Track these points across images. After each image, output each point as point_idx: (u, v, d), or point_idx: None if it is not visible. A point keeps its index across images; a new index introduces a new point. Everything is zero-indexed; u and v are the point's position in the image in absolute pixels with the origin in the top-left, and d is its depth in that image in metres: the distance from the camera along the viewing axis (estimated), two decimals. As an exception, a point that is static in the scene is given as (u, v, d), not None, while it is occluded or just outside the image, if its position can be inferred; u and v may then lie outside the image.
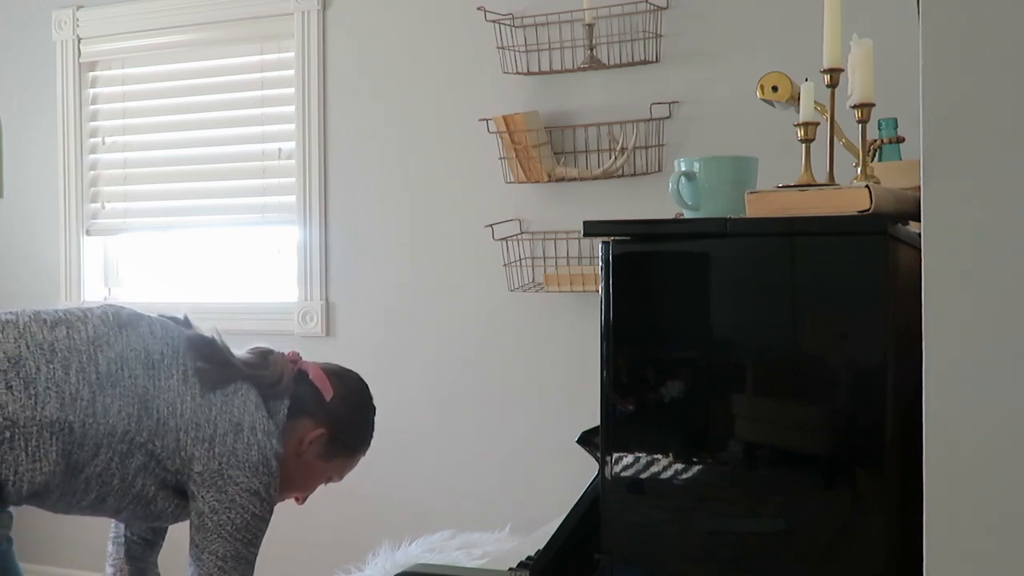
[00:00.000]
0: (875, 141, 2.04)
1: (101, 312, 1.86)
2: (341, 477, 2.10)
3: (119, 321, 1.85)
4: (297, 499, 2.09)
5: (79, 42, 3.93)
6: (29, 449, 1.70)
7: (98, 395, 1.75)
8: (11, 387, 1.69)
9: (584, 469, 2.01)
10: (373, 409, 2.11)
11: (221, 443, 1.83)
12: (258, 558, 1.90)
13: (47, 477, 1.73)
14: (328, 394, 2.00)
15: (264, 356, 1.98)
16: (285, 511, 3.24)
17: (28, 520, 4.19)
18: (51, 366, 1.73)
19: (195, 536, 1.87)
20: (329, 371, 2.05)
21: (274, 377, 1.95)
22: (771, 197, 1.48)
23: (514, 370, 3.27)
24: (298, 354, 2.05)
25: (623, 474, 1.49)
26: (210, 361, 1.89)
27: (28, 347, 1.73)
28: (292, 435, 1.96)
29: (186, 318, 1.97)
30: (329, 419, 2.00)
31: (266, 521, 1.90)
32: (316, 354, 3.60)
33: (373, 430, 2.11)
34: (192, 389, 1.85)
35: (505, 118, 3.10)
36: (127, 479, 1.81)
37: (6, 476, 1.70)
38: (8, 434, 1.68)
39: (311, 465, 2.01)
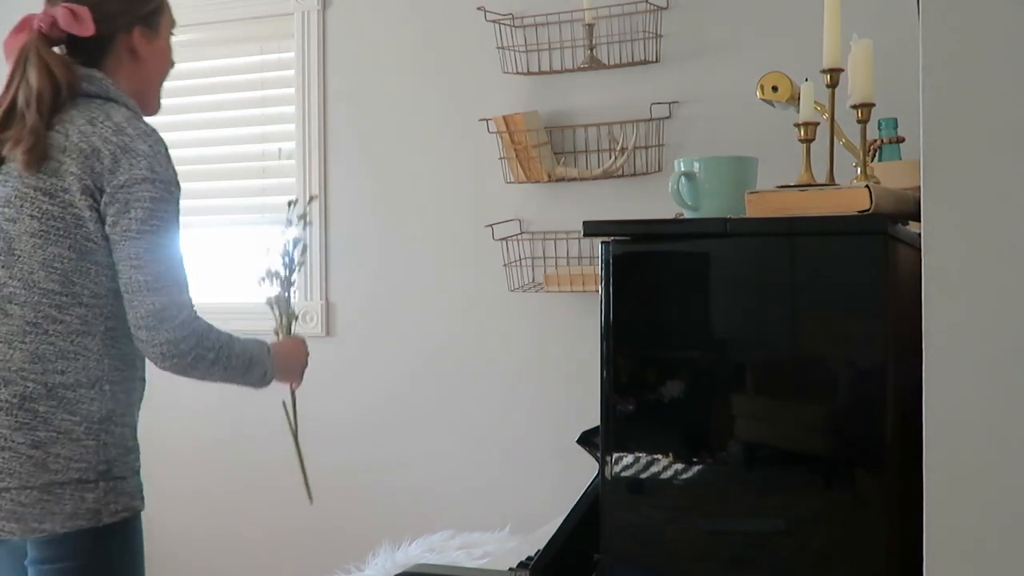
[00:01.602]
0: (875, 141, 2.04)
1: None
2: (174, 20, 1.98)
3: None
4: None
5: (79, 42, 3.93)
6: (75, 358, 1.69)
7: (16, 297, 1.68)
8: None
9: (584, 469, 2.01)
10: None
11: (88, 174, 1.68)
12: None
13: (105, 351, 1.72)
14: (87, 28, 1.76)
15: (20, 75, 1.75)
16: (283, 509, 3.24)
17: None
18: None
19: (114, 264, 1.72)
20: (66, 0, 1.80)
21: (50, 81, 1.72)
22: (771, 197, 1.48)
23: (514, 370, 3.27)
24: (30, 22, 1.78)
25: (623, 474, 1.49)
26: (22, 145, 1.70)
27: None
28: (123, 60, 1.83)
29: None
30: (124, 20, 1.83)
31: (169, 201, 1.72)
32: (316, 354, 3.60)
33: None
34: (23, 177, 1.70)
35: (505, 118, 3.09)
36: (99, 290, 1.71)
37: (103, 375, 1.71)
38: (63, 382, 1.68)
39: (154, 48, 1.89)
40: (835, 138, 1.64)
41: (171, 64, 1.95)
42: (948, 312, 1.19)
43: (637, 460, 1.48)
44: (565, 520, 1.77)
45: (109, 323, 1.71)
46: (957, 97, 1.19)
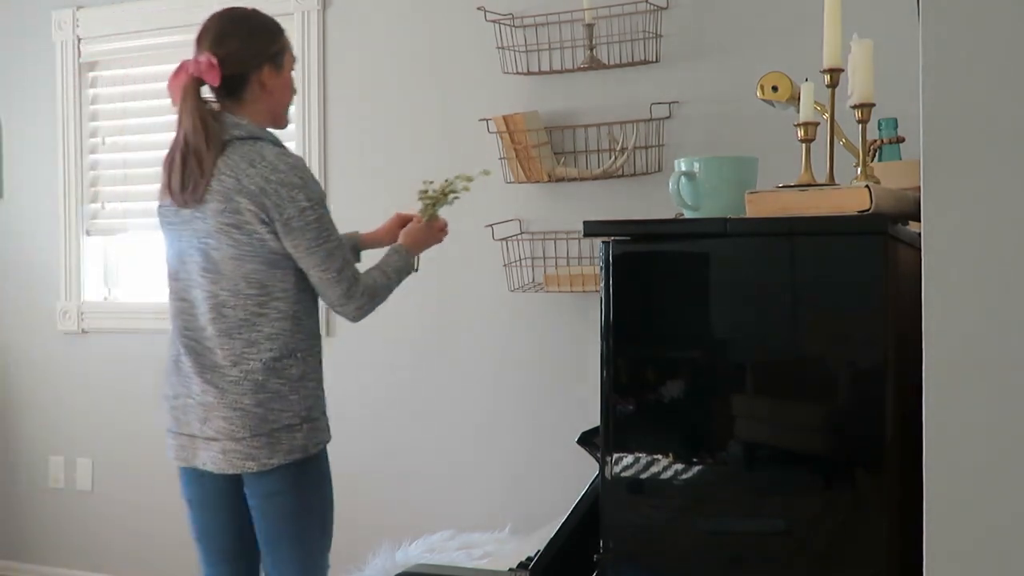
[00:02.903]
0: (875, 141, 2.04)
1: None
2: (294, 57, 2.34)
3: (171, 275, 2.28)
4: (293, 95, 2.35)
5: (79, 42, 3.93)
6: (277, 338, 2.20)
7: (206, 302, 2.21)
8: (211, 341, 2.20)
9: (584, 469, 2.01)
10: (244, 14, 2.28)
11: (261, 208, 2.13)
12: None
13: (297, 330, 2.22)
14: (215, 77, 2.17)
15: (180, 117, 2.19)
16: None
17: (27, 519, 4.19)
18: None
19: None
20: (210, 48, 2.19)
21: (203, 126, 2.16)
22: (771, 197, 1.48)
23: (514, 370, 3.27)
24: (186, 67, 2.18)
25: (623, 474, 1.49)
26: (179, 194, 2.18)
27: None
28: (256, 93, 2.22)
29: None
30: (255, 61, 2.22)
31: (324, 214, 2.18)
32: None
33: (265, 16, 2.29)
34: (216, 216, 2.15)
35: (505, 118, 3.09)
36: (287, 286, 2.21)
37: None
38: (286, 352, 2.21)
39: (280, 81, 2.27)
40: (835, 138, 1.64)
41: (294, 91, 2.36)
42: (948, 312, 1.19)
43: (637, 460, 1.48)
44: (565, 520, 1.78)
45: (295, 308, 2.21)
46: (957, 97, 1.19)
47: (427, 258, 3.38)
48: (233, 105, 2.22)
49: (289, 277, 2.21)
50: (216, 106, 2.22)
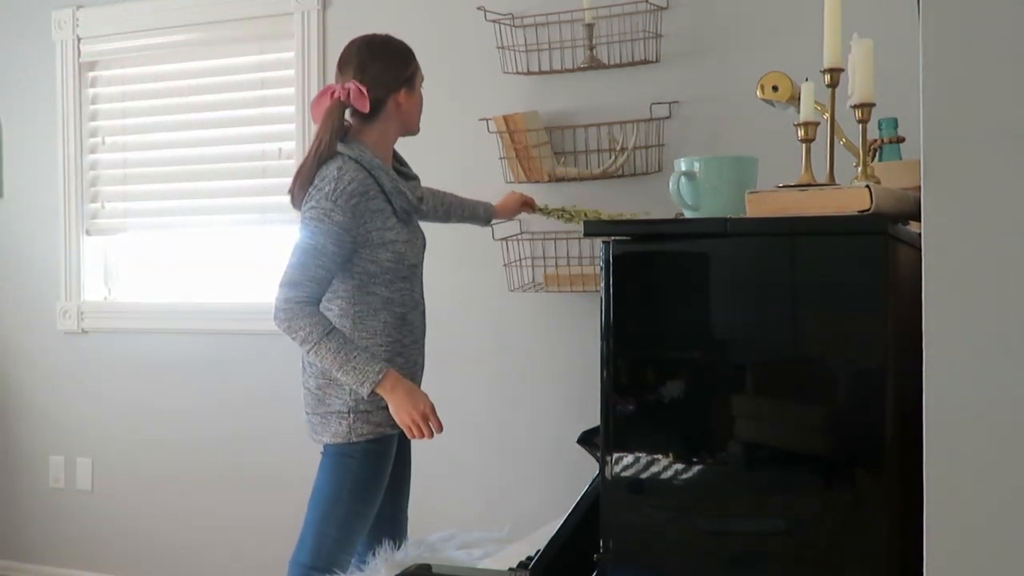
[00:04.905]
0: (875, 141, 2.04)
1: None
2: (422, 75, 2.61)
3: None
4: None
5: (79, 42, 3.93)
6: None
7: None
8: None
9: (584, 469, 2.01)
10: (382, 42, 2.55)
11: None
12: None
13: (354, 328, 2.45)
14: (364, 105, 2.42)
15: (310, 159, 2.41)
16: (283, 508, 3.25)
17: (27, 519, 4.18)
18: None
19: None
20: (355, 76, 2.45)
21: (323, 151, 2.39)
22: (771, 197, 1.48)
23: (514, 370, 3.27)
24: (332, 90, 2.45)
25: (623, 474, 1.49)
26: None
27: None
28: (391, 112, 2.49)
29: None
30: (393, 85, 2.48)
31: (320, 220, 2.33)
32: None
33: (399, 43, 2.57)
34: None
35: (505, 118, 3.09)
36: (343, 288, 2.44)
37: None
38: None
39: (413, 101, 2.54)
40: (835, 138, 1.64)
41: (419, 104, 2.59)
42: (948, 312, 1.19)
43: (637, 460, 1.48)
44: (565, 520, 1.78)
45: (355, 308, 2.43)
46: (957, 97, 1.19)
47: (429, 258, 3.39)
48: (365, 124, 2.46)
49: (348, 280, 2.42)
50: (348, 123, 2.46)
